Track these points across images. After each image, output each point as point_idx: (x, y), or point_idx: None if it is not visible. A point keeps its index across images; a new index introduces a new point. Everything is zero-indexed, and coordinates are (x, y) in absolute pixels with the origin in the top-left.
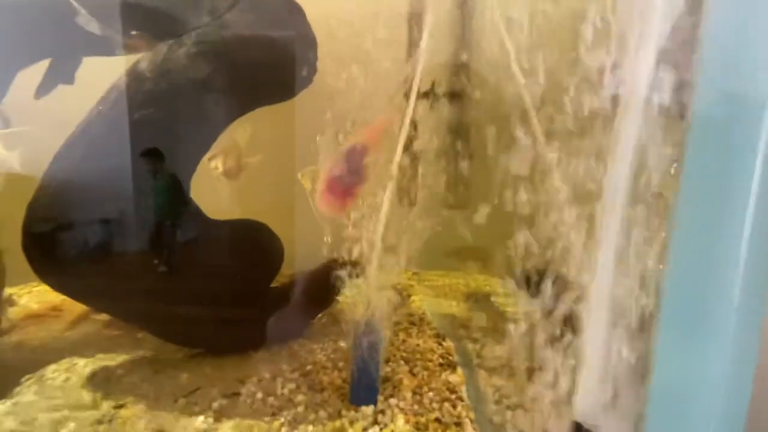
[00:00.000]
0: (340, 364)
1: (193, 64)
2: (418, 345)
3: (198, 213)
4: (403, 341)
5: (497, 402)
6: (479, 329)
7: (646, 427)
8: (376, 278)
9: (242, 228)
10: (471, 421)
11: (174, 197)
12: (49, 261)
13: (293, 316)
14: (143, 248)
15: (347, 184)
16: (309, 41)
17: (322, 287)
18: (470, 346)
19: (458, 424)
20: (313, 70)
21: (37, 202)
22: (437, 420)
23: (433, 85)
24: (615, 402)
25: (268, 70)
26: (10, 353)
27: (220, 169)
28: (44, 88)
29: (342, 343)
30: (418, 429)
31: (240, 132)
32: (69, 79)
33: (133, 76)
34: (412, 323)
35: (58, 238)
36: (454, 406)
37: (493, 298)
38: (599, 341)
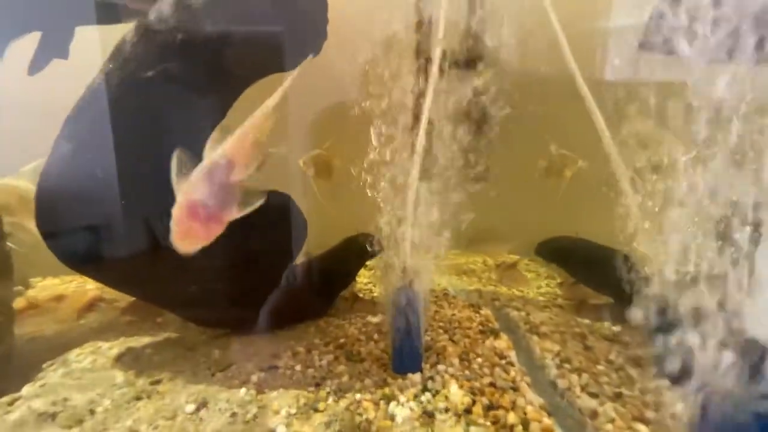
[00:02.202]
0: (375, 336)
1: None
2: (453, 315)
3: None
4: (436, 312)
5: (559, 366)
6: (517, 298)
7: None
8: (411, 242)
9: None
10: (528, 385)
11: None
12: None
13: (317, 294)
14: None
15: (211, 210)
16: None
17: (344, 264)
18: (515, 313)
19: (515, 389)
20: (322, 35)
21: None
22: (492, 384)
23: (445, 54)
24: None
25: (272, 32)
26: (26, 344)
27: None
28: (37, 63)
29: (371, 318)
30: (473, 394)
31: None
32: (63, 53)
33: (142, 30)
34: (437, 298)
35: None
36: (506, 371)
37: (519, 268)
38: None
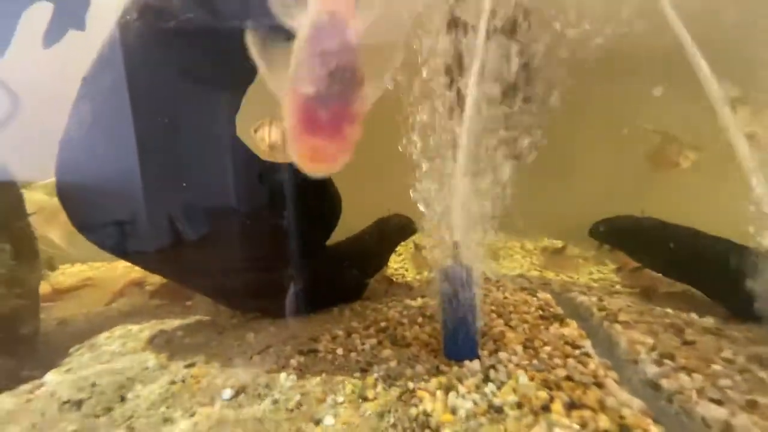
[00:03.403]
0: (419, 320)
1: None
2: (505, 298)
3: (252, 157)
4: (486, 295)
5: (658, 362)
6: (573, 284)
7: None
8: (461, 217)
9: (300, 172)
10: (616, 382)
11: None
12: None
13: (351, 276)
14: None
15: (337, 104)
16: None
17: (377, 245)
18: (583, 298)
19: (599, 385)
20: None
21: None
22: (569, 378)
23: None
24: None
25: None
26: (53, 329)
27: (267, 141)
28: (52, 35)
29: (410, 302)
30: (548, 388)
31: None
32: (80, 24)
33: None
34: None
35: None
36: (584, 364)
37: (569, 253)
38: None
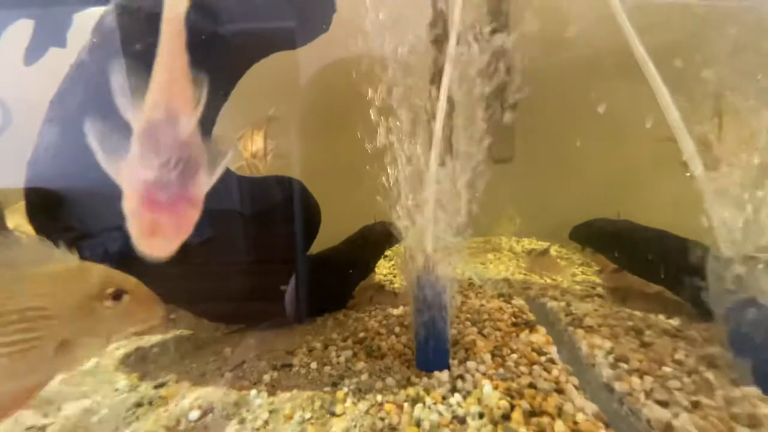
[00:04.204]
0: (396, 329)
1: None
2: (482, 305)
3: (230, 173)
4: (463, 303)
5: (613, 366)
6: (552, 287)
7: None
8: (432, 229)
9: (276, 184)
10: (575, 387)
11: None
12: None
13: (335, 285)
14: None
15: (174, 188)
16: None
17: (362, 254)
18: (553, 304)
19: (559, 391)
20: (331, 9)
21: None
22: (532, 386)
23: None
24: None
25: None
26: None
27: (248, 149)
28: (34, 52)
29: (392, 310)
30: (510, 397)
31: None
32: (61, 42)
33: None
34: (462, 288)
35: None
36: (548, 370)
37: (553, 254)
38: None
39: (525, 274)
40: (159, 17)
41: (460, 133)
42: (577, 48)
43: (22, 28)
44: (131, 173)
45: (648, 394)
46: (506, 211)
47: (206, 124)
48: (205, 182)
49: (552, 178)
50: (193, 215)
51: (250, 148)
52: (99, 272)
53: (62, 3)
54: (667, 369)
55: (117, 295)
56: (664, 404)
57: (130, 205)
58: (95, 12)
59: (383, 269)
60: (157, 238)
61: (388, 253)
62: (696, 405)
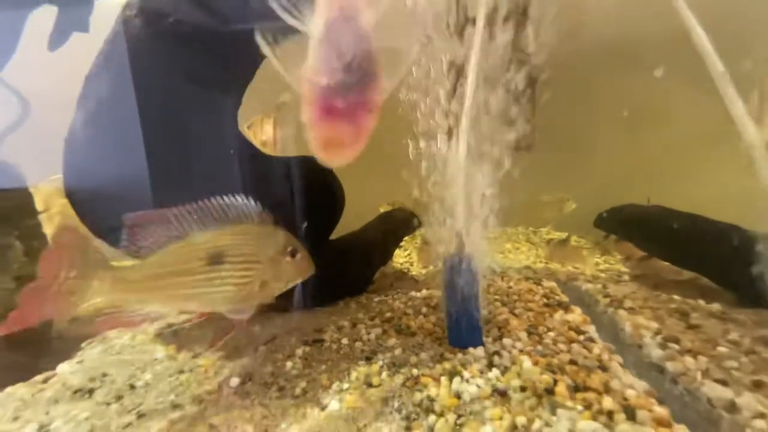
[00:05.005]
0: (423, 310)
1: None
2: (509, 287)
3: (254, 149)
4: (489, 285)
5: (662, 346)
6: (581, 275)
7: None
8: (463, 211)
9: (303, 165)
10: (620, 365)
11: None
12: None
13: (356, 270)
14: None
15: (353, 92)
16: None
17: (382, 239)
18: (588, 286)
19: (604, 369)
20: None
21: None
22: (573, 362)
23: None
24: None
25: None
26: (68, 324)
27: (259, 137)
28: (57, 38)
29: (415, 293)
30: (552, 372)
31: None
32: (84, 27)
33: None
34: (484, 274)
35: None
36: (588, 349)
37: (575, 242)
38: None
39: (545, 263)
40: None
41: (484, 121)
42: (598, 35)
43: (41, 21)
44: (309, 81)
45: (705, 373)
46: (557, 195)
47: (236, 103)
48: (384, 87)
49: (571, 168)
50: (371, 122)
51: (260, 137)
52: (283, 234)
53: None
54: (722, 349)
55: (293, 253)
56: (723, 383)
57: (307, 115)
58: None
59: (399, 258)
60: (334, 148)
61: (402, 243)
62: (758, 384)
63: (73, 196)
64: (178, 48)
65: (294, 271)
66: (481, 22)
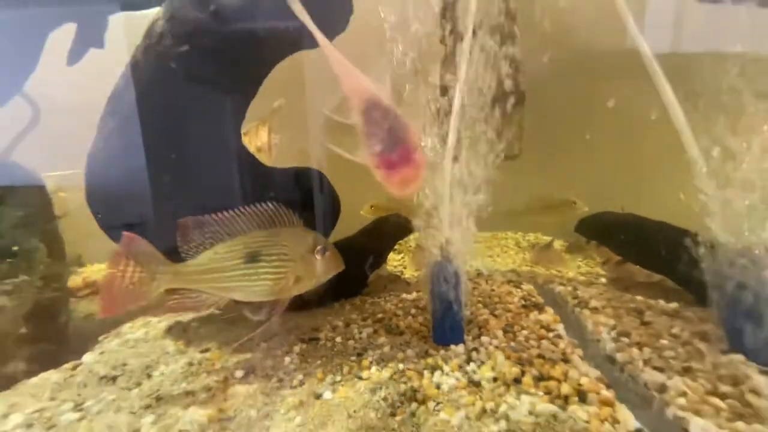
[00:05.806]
0: (412, 311)
1: None
2: (492, 290)
3: (254, 159)
4: (474, 288)
5: (615, 340)
6: (560, 277)
7: None
8: (450, 216)
9: (300, 176)
10: (580, 357)
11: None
12: None
13: (351, 273)
14: None
15: (398, 149)
16: None
17: (376, 244)
18: (561, 288)
19: (566, 361)
20: (349, 10)
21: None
22: (540, 356)
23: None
24: None
25: None
26: (81, 321)
27: (254, 144)
28: (75, 53)
29: (405, 296)
30: (521, 364)
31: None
32: (99, 43)
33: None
34: (471, 277)
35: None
36: (555, 344)
37: (557, 247)
38: None
39: (531, 266)
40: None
41: (471, 129)
42: (584, 43)
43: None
44: (369, 154)
45: (646, 362)
46: (564, 194)
47: (239, 117)
48: (414, 128)
49: (557, 175)
50: (420, 155)
51: (255, 143)
52: (313, 235)
53: (99, 4)
54: (664, 342)
55: (323, 251)
56: (660, 370)
57: (379, 176)
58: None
59: (393, 261)
60: (406, 184)
61: (396, 246)
62: (687, 369)
63: (91, 198)
64: (195, 66)
65: (324, 267)
66: (467, 41)
